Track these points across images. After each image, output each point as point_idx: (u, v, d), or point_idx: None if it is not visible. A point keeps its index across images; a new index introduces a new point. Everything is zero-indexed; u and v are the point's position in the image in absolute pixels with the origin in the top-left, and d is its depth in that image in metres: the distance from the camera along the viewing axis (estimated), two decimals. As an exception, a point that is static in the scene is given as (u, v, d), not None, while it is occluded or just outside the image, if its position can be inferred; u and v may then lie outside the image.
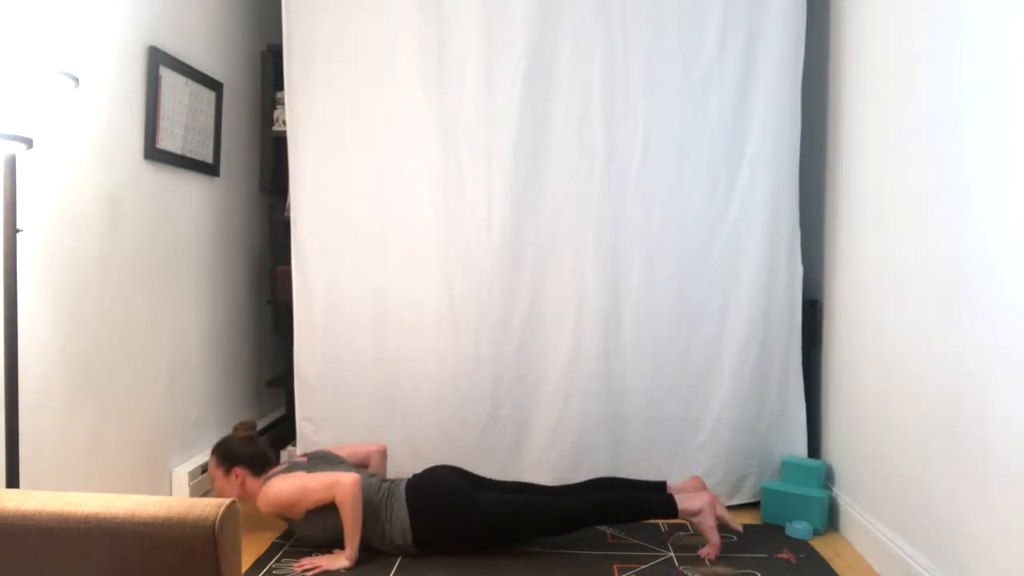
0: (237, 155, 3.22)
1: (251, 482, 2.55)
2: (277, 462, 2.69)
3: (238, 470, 2.55)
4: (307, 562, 2.37)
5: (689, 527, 2.69)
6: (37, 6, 1.98)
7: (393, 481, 2.56)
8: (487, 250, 2.92)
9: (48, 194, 2.06)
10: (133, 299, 2.47)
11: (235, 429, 2.66)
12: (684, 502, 2.45)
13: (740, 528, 2.51)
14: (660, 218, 2.91)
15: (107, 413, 2.34)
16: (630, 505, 2.50)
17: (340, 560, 2.36)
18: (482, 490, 2.55)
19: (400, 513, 2.44)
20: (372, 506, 2.44)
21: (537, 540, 2.52)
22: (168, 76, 2.61)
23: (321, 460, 2.61)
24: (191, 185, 2.84)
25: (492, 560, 2.43)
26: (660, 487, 2.60)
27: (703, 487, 2.60)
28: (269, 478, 2.51)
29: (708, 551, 2.45)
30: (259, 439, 2.68)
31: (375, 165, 2.94)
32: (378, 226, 2.95)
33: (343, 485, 2.36)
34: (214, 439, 3.01)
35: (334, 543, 2.43)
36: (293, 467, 2.56)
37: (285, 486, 2.43)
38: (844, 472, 2.76)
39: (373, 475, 2.63)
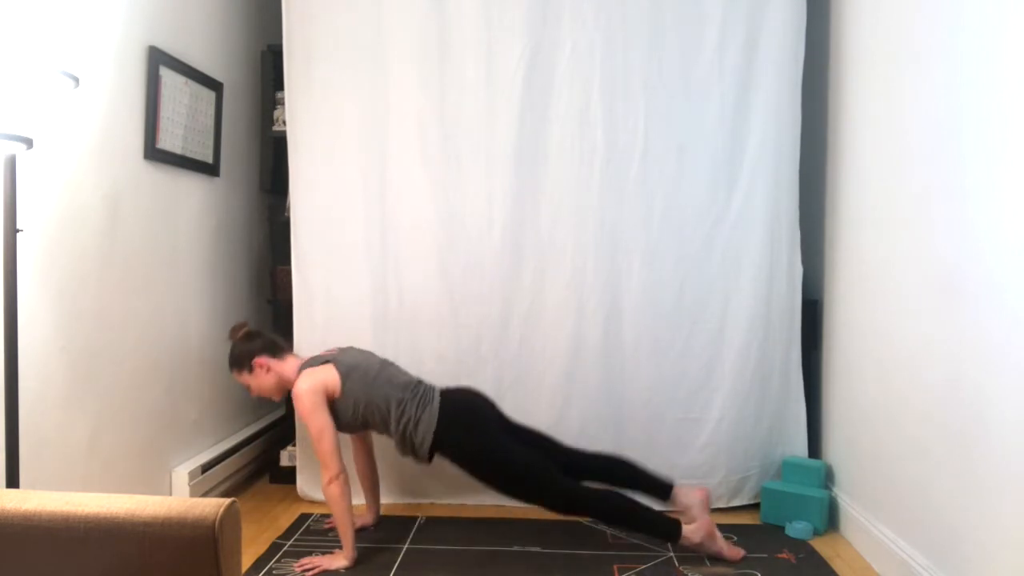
0: (237, 155, 3.22)
1: (278, 364, 2.53)
2: (289, 345, 2.61)
3: (258, 360, 2.52)
4: (306, 561, 2.38)
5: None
6: (37, 6, 1.98)
7: (425, 384, 2.57)
8: (487, 249, 2.92)
9: (48, 194, 2.06)
10: (133, 299, 2.47)
11: (231, 334, 2.60)
12: (687, 532, 2.42)
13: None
14: (660, 218, 2.91)
15: (107, 413, 2.34)
16: (635, 515, 2.46)
17: (339, 560, 2.36)
18: (506, 433, 2.55)
19: (429, 418, 2.44)
20: (401, 403, 2.45)
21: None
22: (168, 76, 2.61)
23: (358, 381, 2.48)
24: (191, 185, 2.84)
25: (492, 560, 2.43)
26: (667, 488, 2.57)
27: (706, 502, 2.53)
28: (305, 366, 2.49)
29: (732, 554, 2.45)
30: (261, 331, 2.64)
31: (375, 165, 2.94)
32: (378, 226, 2.95)
33: (334, 484, 2.35)
34: (214, 439, 3.02)
35: (359, 427, 2.53)
36: (334, 361, 2.49)
37: (306, 402, 2.38)
38: (844, 472, 2.76)
39: (406, 375, 2.60)
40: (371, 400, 2.45)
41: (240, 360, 2.55)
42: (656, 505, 2.55)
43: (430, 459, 2.48)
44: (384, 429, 2.49)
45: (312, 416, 2.38)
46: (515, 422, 2.63)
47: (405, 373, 2.60)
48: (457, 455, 2.48)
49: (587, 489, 2.46)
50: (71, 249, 2.16)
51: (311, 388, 2.40)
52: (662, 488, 2.58)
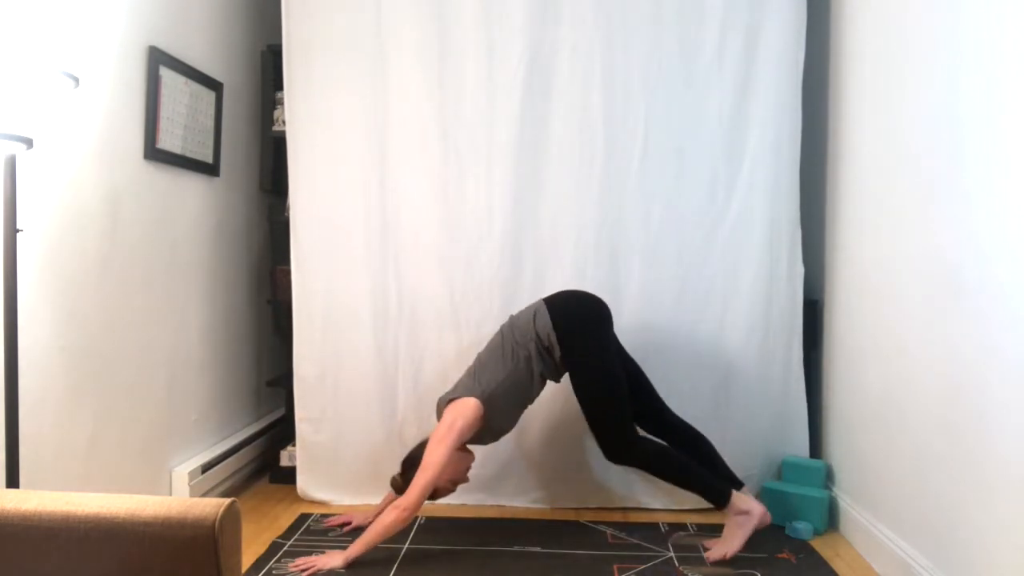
0: (237, 155, 3.22)
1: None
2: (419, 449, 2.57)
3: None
4: (302, 561, 2.37)
5: (689, 527, 2.70)
6: (37, 6, 1.98)
7: (505, 321, 2.64)
8: (487, 249, 2.93)
9: (48, 194, 2.06)
10: (133, 299, 2.47)
11: (402, 488, 2.54)
12: (739, 499, 2.44)
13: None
14: (660, 218, 2.91)
15: (107, 413, 2.34)
16: (691, 474, 2.47)
17: (335, 559, 2.36)
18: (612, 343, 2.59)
19: (543, 323, 2.50)
20: (514, 350, 2.50)
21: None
22: (168, 76, 2.61)
23: (484, 384, 2.51)
24: (191, 185, 2.84)
25: (492, 560, 2.43)
26: (735, 486, 2.55)
27: (757, 523, 2.49)
28: (442, 407, 2.51)
29: (713, 554, 2.43)
30: (404, 461, 2.61)
31: (375, 165, 2.94)
32: (378, 226, 2.95)
33: (402, 513, 2.31)
34: (214, 439, 3.03)
35: (530, 397, 2.57)
36: (452, 397, 2.50)
37: (442, 430, 2.41)
38: (844, 472, 2.76)
39: (491, 340, 2.63)
40: (503, 382, 2.47)
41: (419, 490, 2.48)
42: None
43: (564, 360, 2.49)
44: (539, 380, 2.53)
45: (439, 445, 2.38)
46: (620, 343, 2.65)
47: (490, 342, 2.62)
48: (576, 348, 2.48)
49: (650, 443, 2.48)
50: (71, 249, 2.16)
51: (461, 426, 2.40)
52: (730, 484, 2.55)
